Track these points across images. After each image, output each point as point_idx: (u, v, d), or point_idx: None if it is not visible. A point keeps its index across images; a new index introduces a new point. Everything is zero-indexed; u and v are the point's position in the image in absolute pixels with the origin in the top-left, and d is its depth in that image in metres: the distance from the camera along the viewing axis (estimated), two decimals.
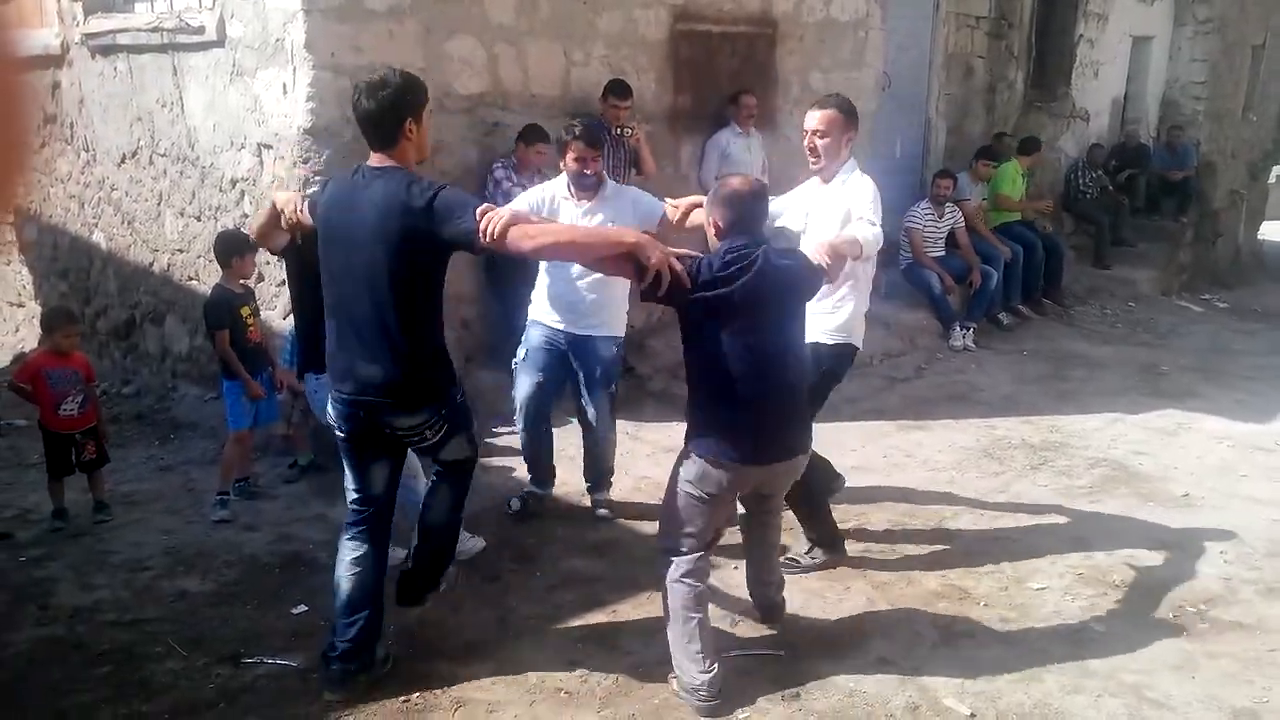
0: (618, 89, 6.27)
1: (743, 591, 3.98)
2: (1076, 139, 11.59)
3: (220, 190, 6.13)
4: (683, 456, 3.37)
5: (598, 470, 4.83)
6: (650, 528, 4.74)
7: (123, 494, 5.28)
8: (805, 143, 4.04)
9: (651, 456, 5.49)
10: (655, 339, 6.99)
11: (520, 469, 5.09)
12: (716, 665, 3.31)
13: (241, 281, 5.10)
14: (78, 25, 7.12)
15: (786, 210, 4.23)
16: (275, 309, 5.86)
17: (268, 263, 5.84)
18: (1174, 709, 3.32)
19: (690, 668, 3.30)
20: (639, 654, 3.63)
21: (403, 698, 3.37)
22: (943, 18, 9.42)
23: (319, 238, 3.27)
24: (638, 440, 5.77)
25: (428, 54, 5.70)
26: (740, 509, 3.80)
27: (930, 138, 9.68)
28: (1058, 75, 11.05)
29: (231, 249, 5.02)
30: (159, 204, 6.79)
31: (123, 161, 7.08)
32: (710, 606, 3.59)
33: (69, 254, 7.93)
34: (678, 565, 3.37)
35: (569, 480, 5.13)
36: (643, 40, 6.77)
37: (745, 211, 3.29)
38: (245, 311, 4.99)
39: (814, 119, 3.99)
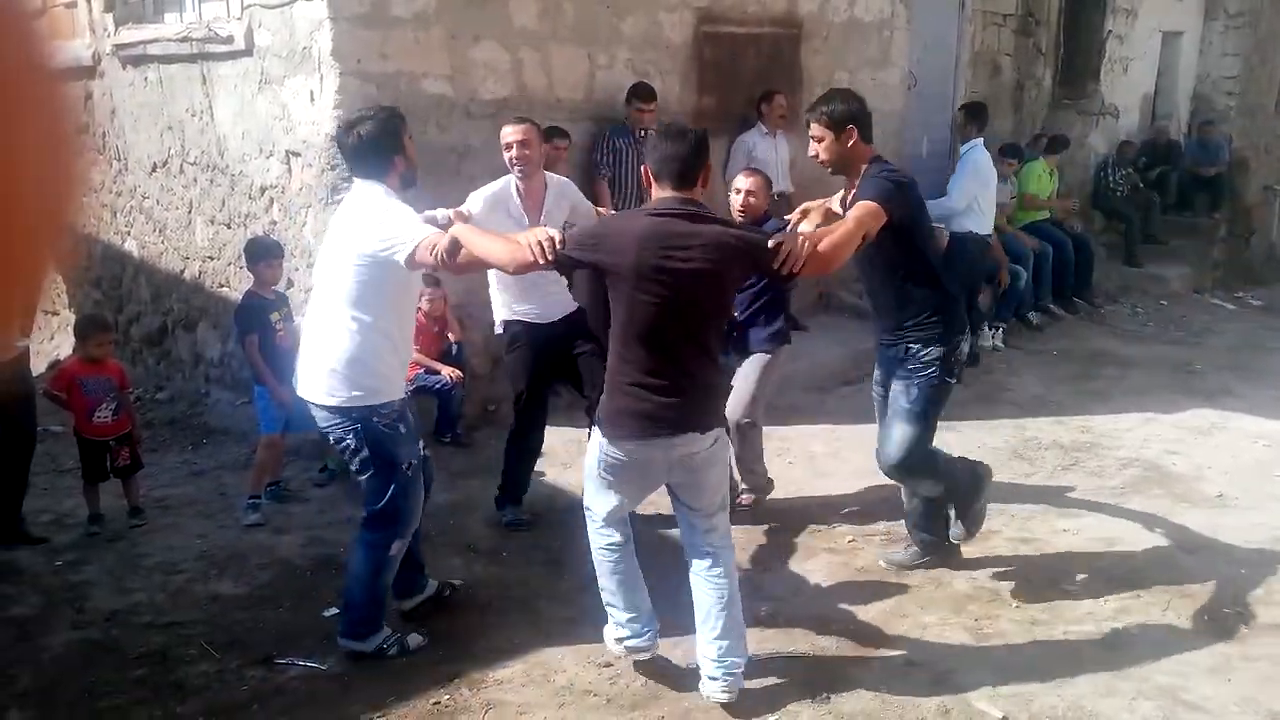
0: (642, 92, 6.28)
1: (774, 594, 3.98)
2: (1106, 136, 11.47)
3: (250, 198, 6.19)
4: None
5: None
6: (678, 531, 4.74)
7: (156, 499, 5.34)
8: (514, 155, 4.36)
9: None
10: None
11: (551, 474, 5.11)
12: None
13: (274, 287, 5.14)
14: (109, 36, 7.22)
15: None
16: (304, 314, 5.91)
17: (297, 269, 5.90)
18: (1210, 712, 3.28)
19: None
20: (668, 656, 3.63)
21: (433, 700, 3.39)
22: (969, 16, 9.36)
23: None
24: None
25: (453, 60, 5.74)
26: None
27: (957, 137, 9.61)
28: (1086, 72, 10.95)
29: (258, 255, 5.06)
30: (190, 212, 6.86)
31: (154, 170, 7.17)
32: (741, 611, 3.58)
33: (102, 262, 8.04)
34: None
35: None
36: (667, 43, 6.78)
37: None
38: (275, 317, 5.04)
39: (516, 133, 4.37)
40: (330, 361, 3.43)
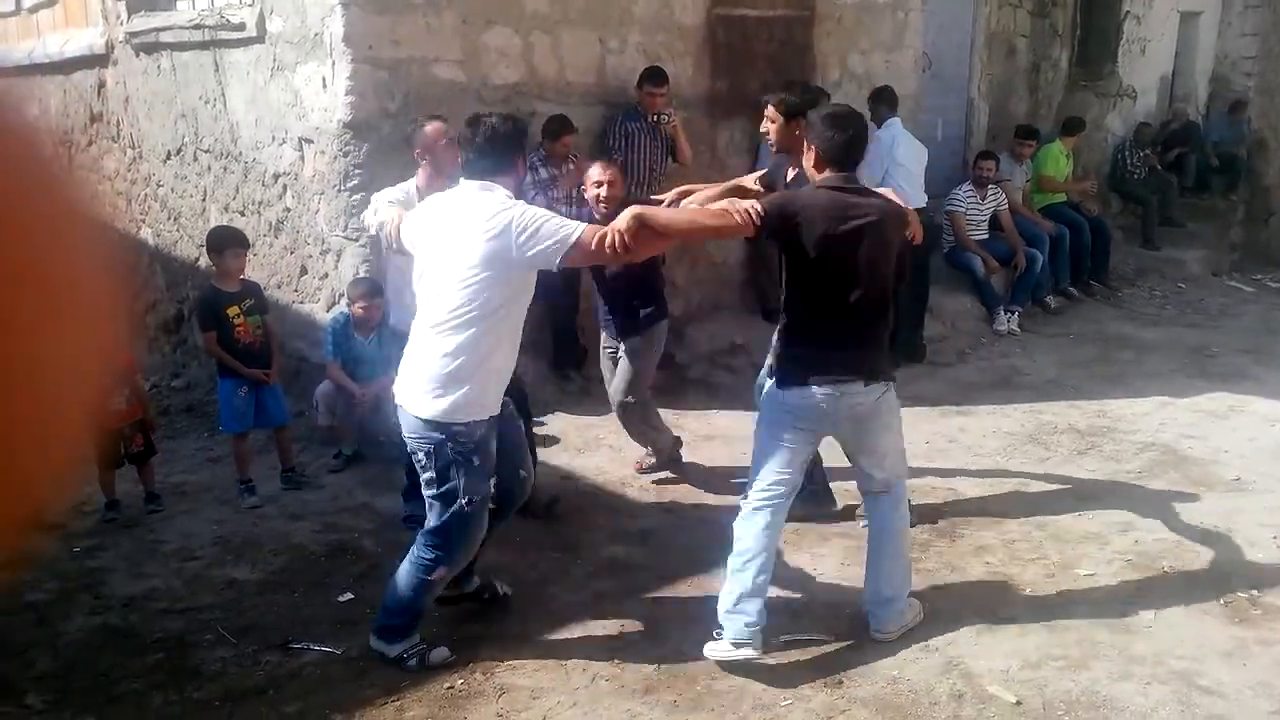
0: (654, 76, 6.24)
1: (788, 578, 3.97)
2: (1123, 118, 11.36)
3: (263, 185, 6.20)
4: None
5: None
6: (691, 515, 4.74)
7: (173, 485, 5.38)
8: (454, 153, 4.09)
9: (690, 445, 5.47)
10: (693, 327, 6.98)
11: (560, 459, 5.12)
12: None
13: (243, 278, 5.11)
14: (122, 24, 7.24)
15: None
16: (319, 301, 5.92)
17: (310, 256, 5.91)
18: (1224, 696, 3.26)
19: None
20: (679, 641, 3.63)
21: (446, 684, 3.41)
22: None
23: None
24: (678, 429, 5.76)
25: (464, 45, 5.72)
26: None
27: (972, 119, 9.54)
28: (1103, 53, 10.83)
29: (213, 246, 5.05)
30: (204, 200, 6.88)
31: (168, 158, 7.19)
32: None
33: (117, 250, 8.08)
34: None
35: (607, 469, 5.15)
36: (678, 26, 6.74)
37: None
38: (233, 311, 4.97)
39: (450, 131, 4.27)
40: (430, 373, 3.28)
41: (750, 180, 4.59)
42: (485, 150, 3.32)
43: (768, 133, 4.33)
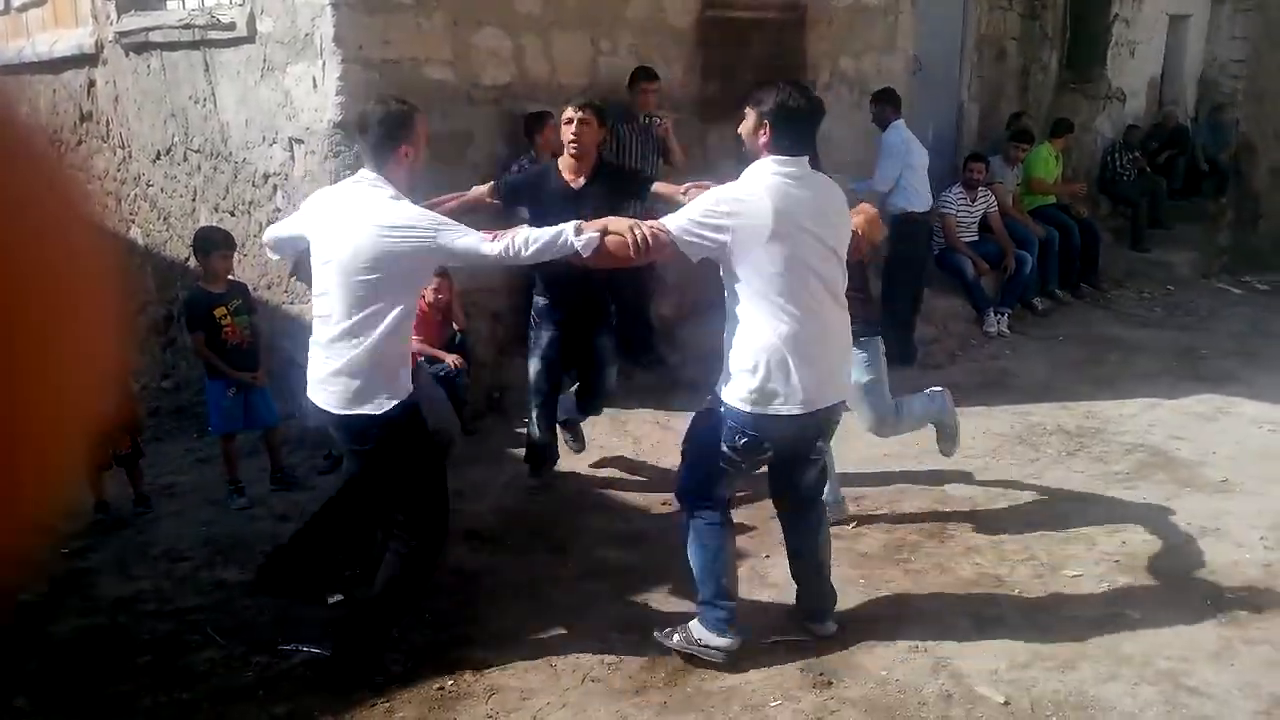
0: (645, 73, 6.25)
1: (777, 580, 3.98)
2: (1112, 120, 11.40)
3: (253, 185, 6.19)
4: None
5: None
6: (682, 516, 4.74)
7: (162, 486, 5.37)
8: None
9: None
10: (685, 327, 6.98)
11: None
12: None
13: (230, 278, 5.10)
14: (111, 23, 7.22)
15: None
16: (309, 302, 5.90)
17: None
18: (1212, 696, 3.28)
19: None
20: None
21: (436, 685, 3.41)
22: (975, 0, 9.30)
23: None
24: (669, 430, 5.76)
25: (455, 46, 5.72)
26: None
27: (963, 121, 9.57)
28: (1093, 56, 10.87)
29: (200, 247, 5.04)
30: (193, 200, 6.87)
31: (158, 158, 7.17)
32: (740, 594, 3.59)
33: (114, 251, 8.04)
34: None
35: (598, 470, 5.15)
36: (670, 28, 6.74)
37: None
38: (220, 312, 4.97)
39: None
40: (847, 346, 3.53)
41: (485, 191, 4.54)
42: (817, 122, 3.22)
43: (578, 136, 4.43)
